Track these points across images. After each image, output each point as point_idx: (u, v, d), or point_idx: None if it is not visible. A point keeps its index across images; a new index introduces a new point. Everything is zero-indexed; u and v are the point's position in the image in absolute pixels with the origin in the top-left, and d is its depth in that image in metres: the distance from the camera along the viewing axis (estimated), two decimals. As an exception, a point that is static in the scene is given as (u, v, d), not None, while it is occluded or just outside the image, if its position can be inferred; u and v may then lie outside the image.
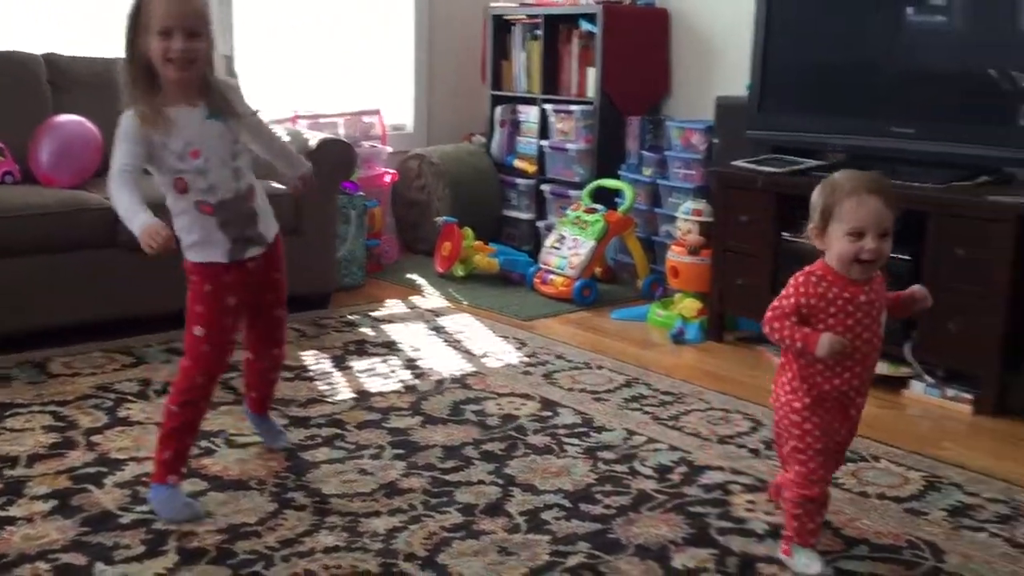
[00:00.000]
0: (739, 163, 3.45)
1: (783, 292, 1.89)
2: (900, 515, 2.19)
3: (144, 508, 2.11)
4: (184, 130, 2.03)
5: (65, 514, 2.07)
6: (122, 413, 2.65)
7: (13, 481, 2.22)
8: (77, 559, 1.90)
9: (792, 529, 1.92)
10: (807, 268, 1.89)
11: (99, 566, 1.87)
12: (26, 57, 3.63)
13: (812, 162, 3.37)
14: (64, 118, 3.45)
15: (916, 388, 2.98)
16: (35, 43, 3.74)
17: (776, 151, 3.52)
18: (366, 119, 4.58)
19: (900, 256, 2.97)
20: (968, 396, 2.86)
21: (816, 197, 1.89)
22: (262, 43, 4.46)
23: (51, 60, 3.68)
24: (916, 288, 1.99)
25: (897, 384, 3.03)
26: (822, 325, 1.85)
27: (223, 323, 2.13)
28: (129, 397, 2.77)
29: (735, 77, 3.90)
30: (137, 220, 1.91)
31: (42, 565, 1.87)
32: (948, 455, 2.54)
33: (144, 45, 1.97)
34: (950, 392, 2.90)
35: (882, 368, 3.04)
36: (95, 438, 2.48)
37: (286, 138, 3.71)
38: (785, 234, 3.30)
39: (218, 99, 2.09)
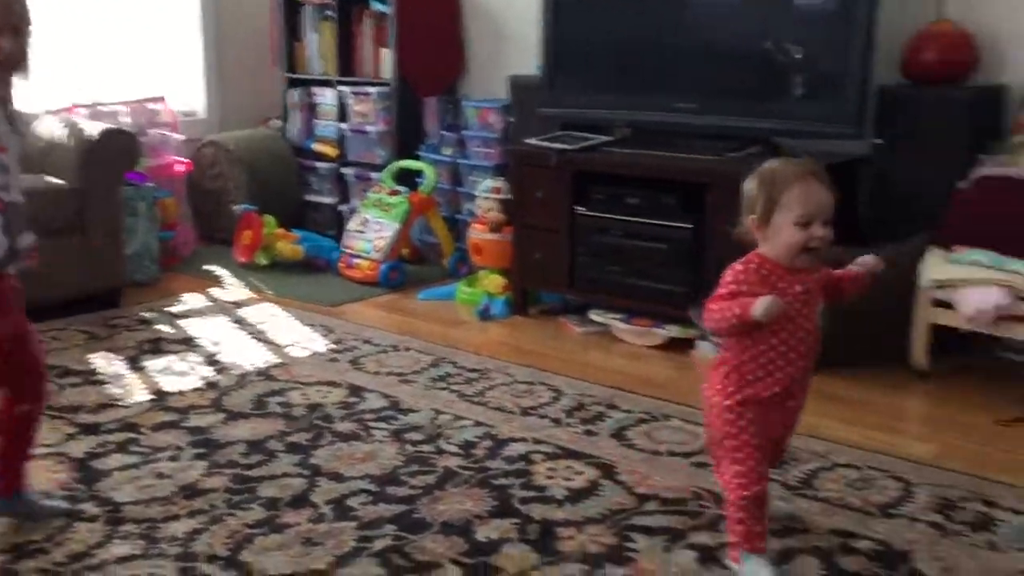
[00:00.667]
0: (532, 141, 3.54)
1: (720, 283, 1.81)
2: (688, 469, 2.34)
3: (-87, 536, 1.96)
4: None
5: None
6: None
7: None
8: None
9: (738, 535, 1.80)
10: (743, 258, 1.82)
11: None
12: None
13: (602, 138, 3.50)
14: None
15: (704, 348, 3.17)
16: None
17: (568, 128, 3.64)
18: (151, 106, 4.38)
19: (682, 225, 3.16)
20: (749, 352, 3.07)
21: (754, 188, 1.81)
22: (35, 28, 4.15)
23: None
24: (866, 258, 1.89)
25: (687, 345, 3.21)
26: None
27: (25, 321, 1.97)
28: None
29: (528, 56, 3.98)
30: None
31: None
32: (732, 409, 2.72)
33: None
34: (733, 350, 3.11)
35: (673, 331, 3.23)
36: None
37: (64, 129, 3.52)
38: (579, 208, 3.41)
39: (12, 106, 1.94)
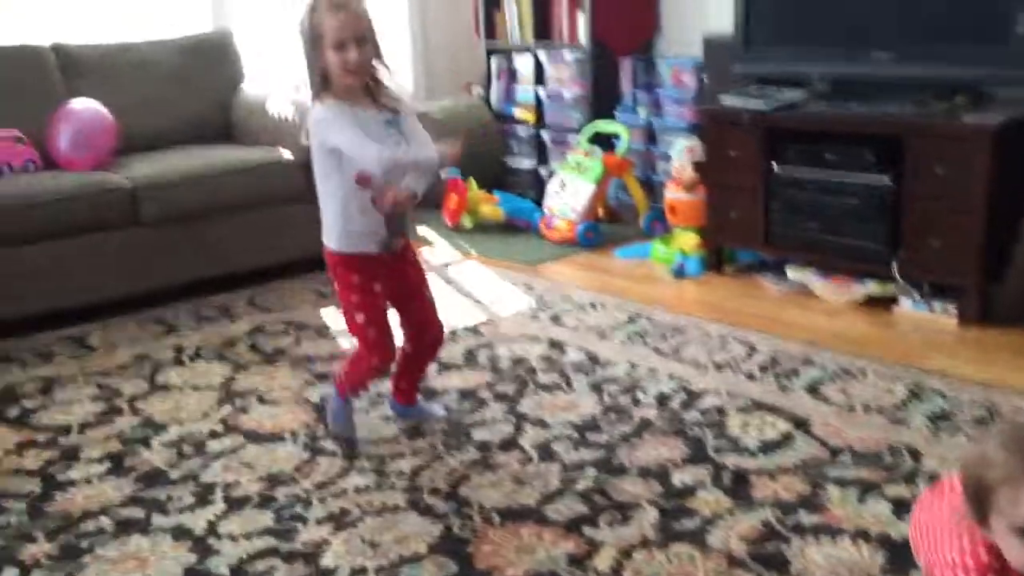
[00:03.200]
0: (726, 99, 3.56)
1: None
2: (883, 424, 2.36)
3: (191, 464, 2.32)
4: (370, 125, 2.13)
5: (119, 474, 2.29)
6: (160, 379, 2.85)
7: (69, 447, 2.43)
8: (135, 512, 2.11)
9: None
10: None
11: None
12: (35, 49, 3.77)
13: (797, 93, 3.48)
14: (78, 103, 3.60)
15: (905, 305, 3.13)
16: (42, 34, 3.88)
17: (762, 84, 3.63)
18: (366, 80, 4.70)
19: (880, 180, 3.11)
20: (953, 309, 3.01)
21: None
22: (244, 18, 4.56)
23: (59, 49, 3.82)
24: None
25: (887, 303, 3.18)
26: None
27: (378, 306, 2.26)
28: (165, 364, 2.97)
29: (722, 12, 3.98)
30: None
31: (104, 520, 2.08)
32: (932, 365, 2.70)
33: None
34: (936, 306, 3.06)
35: (871, 287, 3.21)
36: (139, 404, 2.69)
37: (291, 107, 3.86)
38: (774, 165, 3.42)
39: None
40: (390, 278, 2.28)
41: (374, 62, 2.15)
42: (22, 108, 3.60)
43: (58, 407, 2.68)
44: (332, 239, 2.22)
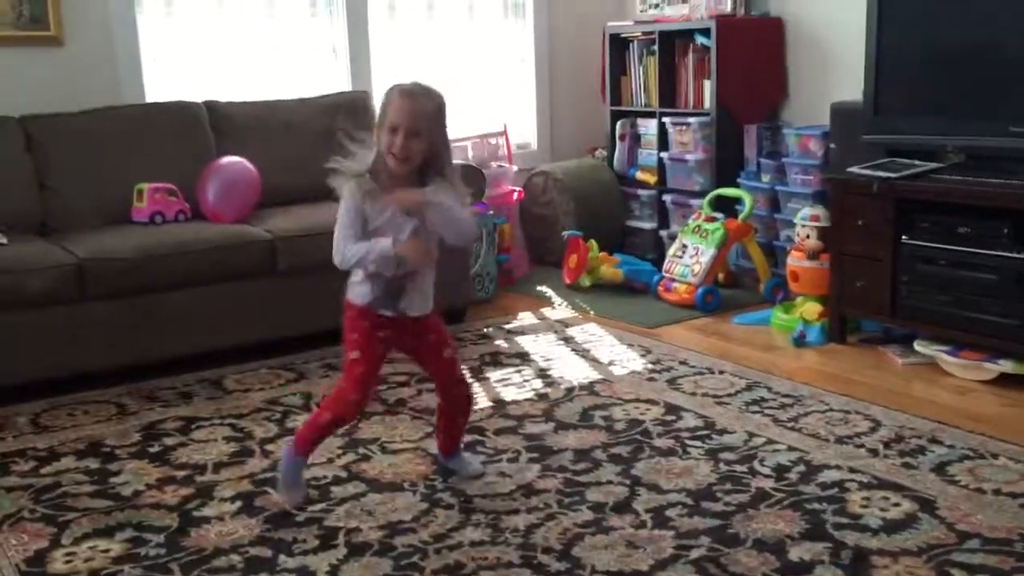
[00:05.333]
0: (855, 169, 3.53)
1: None
2: (1015, 510, 2.27)
3: (316, 508, 2.41)
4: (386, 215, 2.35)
5: (250, 513, 2.40)
6: (290, 424, 2.99)
7: (204, 485, 2.57)
8: (263, 552, 2.21)
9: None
10: None
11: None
12: (190, 105, 4.06)
13: (928, 165, 3.42)
14: (227, 160, 3.85)
15: (1043, 386, 3.01)
16: (196, 92, 4.17)
17: (892, 154, 3.58)
18: (492, 141, 4.86)
19: (1018, 256, 3.02)
20: (1094, 393, 2.88)
21: None
22: (393, 74, 4.78)
23: (212, 107, 4.10)
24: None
25: (1021, 381, 3.06)
26: None
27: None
28: (294, 409, 3.11)
29: (851, 82, 3.96)
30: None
31: (235, 557, 2.19)
32: (1070, 452, 2.59)
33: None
34: (1076, 389, 2.93)
35: (1006, 366, 3.09)
36: (268, 447, 2.82)
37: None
38: (904, 237, 3.36)
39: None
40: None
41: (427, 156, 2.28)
42: (176, 162, 3.87)
43: (195, 446, 2.84)
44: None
